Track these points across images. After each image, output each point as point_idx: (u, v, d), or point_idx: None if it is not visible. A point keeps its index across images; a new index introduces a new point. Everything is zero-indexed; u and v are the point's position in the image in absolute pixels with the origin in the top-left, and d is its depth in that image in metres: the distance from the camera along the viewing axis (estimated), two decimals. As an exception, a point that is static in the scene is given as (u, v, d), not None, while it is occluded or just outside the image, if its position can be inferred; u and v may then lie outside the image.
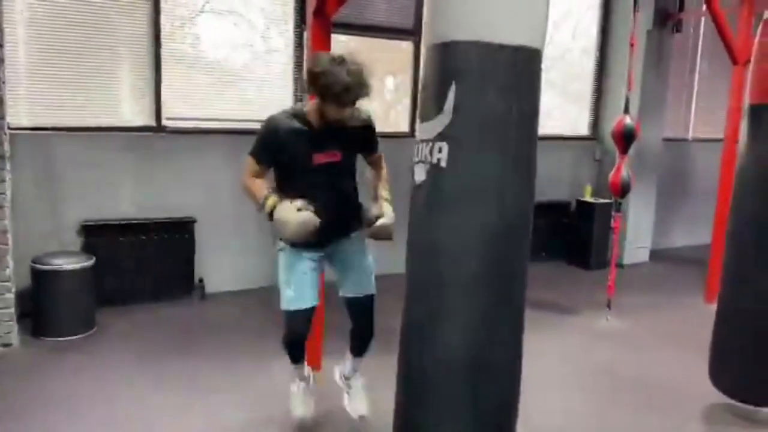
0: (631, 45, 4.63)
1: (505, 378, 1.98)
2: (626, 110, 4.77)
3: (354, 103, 2.66)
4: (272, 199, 2.71)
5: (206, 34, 5.24)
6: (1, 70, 3.88)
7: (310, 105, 2.77)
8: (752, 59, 3.23)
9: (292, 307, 2.89)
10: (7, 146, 3.94)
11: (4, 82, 3.91)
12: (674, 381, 3.94)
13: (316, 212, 2.65)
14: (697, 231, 7.47)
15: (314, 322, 3.65)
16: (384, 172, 3.07)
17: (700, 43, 7.42)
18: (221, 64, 5.34)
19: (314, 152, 2.75)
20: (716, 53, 6.31)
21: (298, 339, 3.01)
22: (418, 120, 1.95)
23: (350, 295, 3.04)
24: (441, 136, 1.80)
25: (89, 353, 4.05)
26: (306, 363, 3.19)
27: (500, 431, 2.03)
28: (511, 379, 2.01)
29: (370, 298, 3.07)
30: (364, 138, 2.92)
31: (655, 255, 7.13)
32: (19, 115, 4.46)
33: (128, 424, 3.21)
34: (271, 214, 2.69)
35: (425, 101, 1.90)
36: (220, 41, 5.28)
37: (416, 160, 1.91)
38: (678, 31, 6.68)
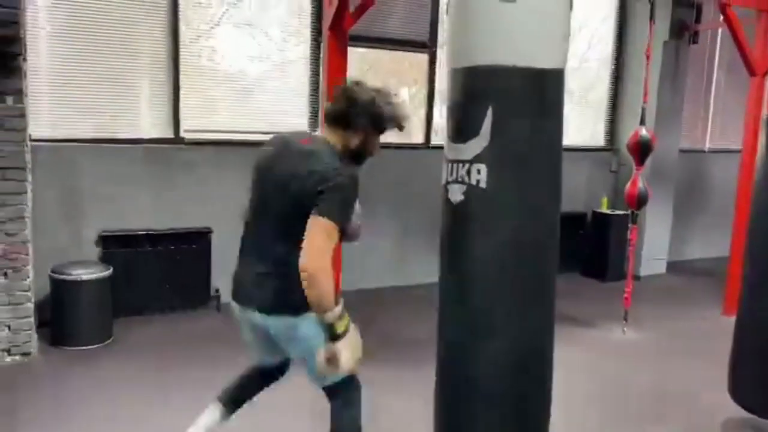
0: (647, 56, 4.62)
1: (542, 382, 2.09)
2: (642, 122, 4.76)
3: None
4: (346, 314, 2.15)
5: (224, 47, 5.31)
6: (25, 84, 3.95)
7: (334, 141, 2.35)
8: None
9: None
10: (28, 158, 4.00)
11: (26, 95, 3.97)
12: (691, 394, 3.90)
13: None
14: (714, 243, 7.40)
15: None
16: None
17: (717, 54, 7.39)
18: (239, 75, 5.40)
19: None
20: (733, 64, 6.27)
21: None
22: (447, 139, 1.99)
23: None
24: (479, 158, 1.86)
25: (107, 362, 4.09)
26: None
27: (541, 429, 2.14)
28: (547, 382, 2.12)
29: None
30: None
31: (672, 267, 7.07)
32: (40, 127, 4.53)
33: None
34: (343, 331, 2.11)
35: (457, 122, 1.95)
36: (238, 53, 5.34)
37: (450, 179, 1.97)
38: (695, 42, 6.66)
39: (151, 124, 5.06)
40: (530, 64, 1.82)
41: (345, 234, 2.28)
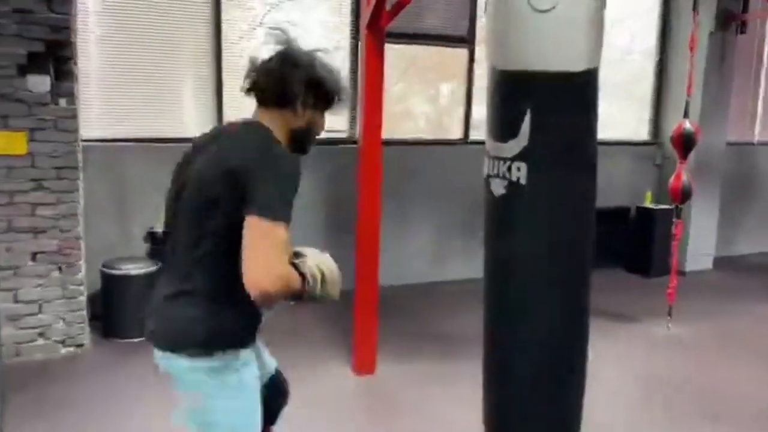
0: (691, 48, 4.54)
1: (578, 370, 2.15)
2: (686, 114, 4.68)
3: None
4: (307, 258, 1.92)
5: (265, 46, 5.40)
6: (76, 87, 4.12)
7: (269, 123, 1.94)
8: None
9: None
10: (80, 157, 4.17)
11: (78, 98, 4.14)
12: (736, 391, 3.83)
13: None
14: (764, 238, 7.20)
15: (372, 323, 3.74)
16: None
17: (766, 44, 7.18)
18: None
19: None
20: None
21: None
22: (488, 135, 2.07)
23: None
24: (519, 157, 1.95)
25: (152, 355, 4.22)
26: None
27: (577, 416, 2.19)
28: (582, 370, 2.18)
29: None
30: None
31: (719, 262, 6.90)
32: (90, 128, 4.71)
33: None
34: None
35: (497, 122, 2.05)
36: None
37: (492, 173, 2.06)
38: (743, 32, 6.48)
39: (195, 123, 5.20)
40: (565, 68, 1.90)
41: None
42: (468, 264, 5.78)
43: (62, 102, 4.00)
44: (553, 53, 1.90)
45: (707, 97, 6.37)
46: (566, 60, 1.91)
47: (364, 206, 3.81)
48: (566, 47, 1.90)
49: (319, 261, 1.92)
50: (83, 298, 4.24)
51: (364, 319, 3.90)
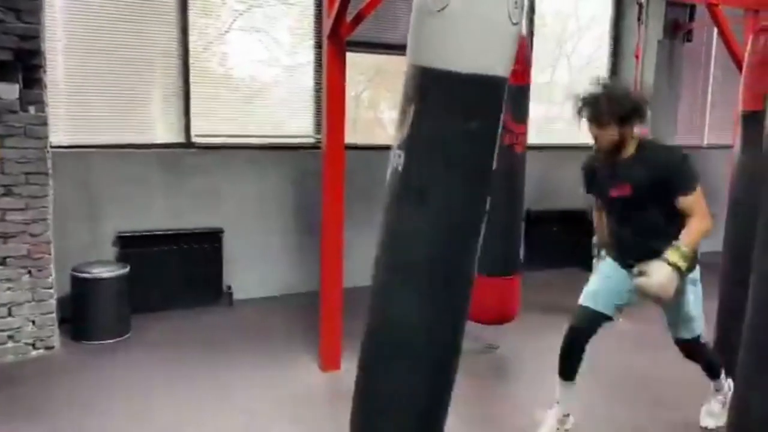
0: (636, 56, 4.81)
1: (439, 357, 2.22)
2: (633, 119, 4.94)
3: (600, 124, 2.82)
4: None
5: (233, 52, 5.55)
6: (45, 94, 4.20)
7: None
8: (743, 69, 3.41)
9: (582, 302, 3.12)
10: (49, 163, 4.26)
11: (47, 105, 4.22)
12: (684, 378, 4.05)
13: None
14: (714, 238, 7.48)
15: (336, 322, 3.91)
16: (692, 224, 2.79)
17: (713, 51, 7.53)
18: (247, 81, 5.65)
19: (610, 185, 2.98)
20: (730, 61, 6.42)
21: (565, 347, 3.12)
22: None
23: (672, 335, 3.16)
24: (401, 145, 2.09)
25: (125, 356, 4.33)
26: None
27: (440, 401, 2.26)
28: (447, 359, 2.24)
29: (685, 342, 3.13)
30: (653, 178, 2.82)
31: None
32: (59, 134, 4.78)
33: (158, 425, 3.42)
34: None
35: (399, 114, 2.16)
36: (247, 59, 5.59)
37: (390, 162, 2.20)
38: (689, 40, 6.82)
39: (163, 130, 5.31)
40: (453, 68, 1.95)
41: None
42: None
43: (31, 109, 4.09)
44: (440, 52, 1.96)
45: (657, 103, 6.66)
46: (452, 61, 1.95)
47: (328, 209, 3.97)
48: (454, 48, 1.95)
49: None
50: (53, 301, 4.32)
51: (329, 317, 4.06)
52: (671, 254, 2.65)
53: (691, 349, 3.14)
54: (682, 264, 2.66)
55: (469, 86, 1.98)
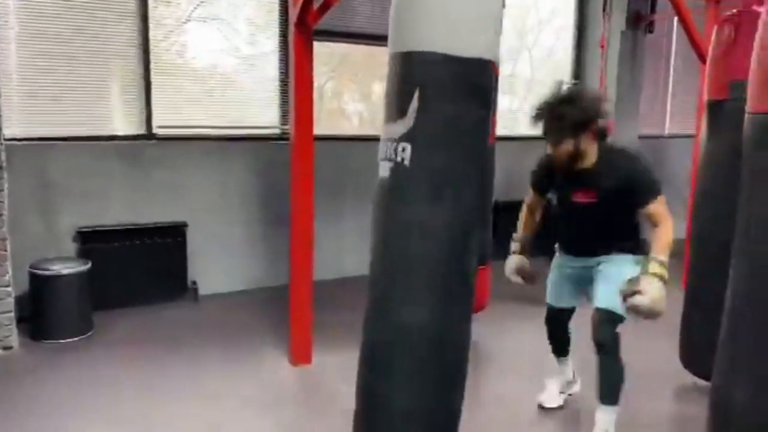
0: (601, 46, 4.84)
1: (451, 353, 2.15)
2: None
3: (558, 142, 2.78)
4: None
5: (193, 43, 5.42)
6: (-3, 84, 4.04)
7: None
8: (708, 59, 3.44)
9: (547, 301, 3.34)
10: (3, 156, 4.09)
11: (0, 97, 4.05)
12: (647, 364, 4.12)
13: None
14: (677, 226, 7.64)
15: (307, 316, 3.86)
16: (660, 233, 2.79)
17: (674, 42, 7.66)
18: (208, 71, 5.52)
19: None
20: (690, 52, 6.54)
21: (549, 331, 3.38)
22: (383, 121, 2.13)
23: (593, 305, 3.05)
24: (405, 137, 2.00)
25: (87, 355, 4.20)
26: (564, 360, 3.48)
27: (451, 401, 2.20)
28: (458, 355, 2.18)
29: (599, 312, 2.97)
30: (618, 188, 2.84)
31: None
32: (13, 127, 4.60)
33: (126, 424, 3.33)
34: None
35: (389, 104, 2.09)
36: (207, 49, 5.46)
37: (381, 157, 2.12)
38: (651, 32, 6.92)
39: (123, 121, 5.15)
40: (454, 52, 1.94)
41: None
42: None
43: (-17, 100, 3.92)
44: (443, 37, 1.93)
45: (620, 93, 6.76)
46: (456, 45, 1.94)
47: (298, 201, 3.90)
48: (457, 33, 1.94)
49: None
50: (11, 300, 4.16)
51: (299, 311, 4.00)
52: (653, 266, 2.66)
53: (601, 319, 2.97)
54: (665, 273, 2.67)
55: (470, 70, 1.97)
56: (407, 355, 2.09)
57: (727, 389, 2.01)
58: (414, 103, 1.97)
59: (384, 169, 2.10)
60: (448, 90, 1.97)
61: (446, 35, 1.94)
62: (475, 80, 2.00)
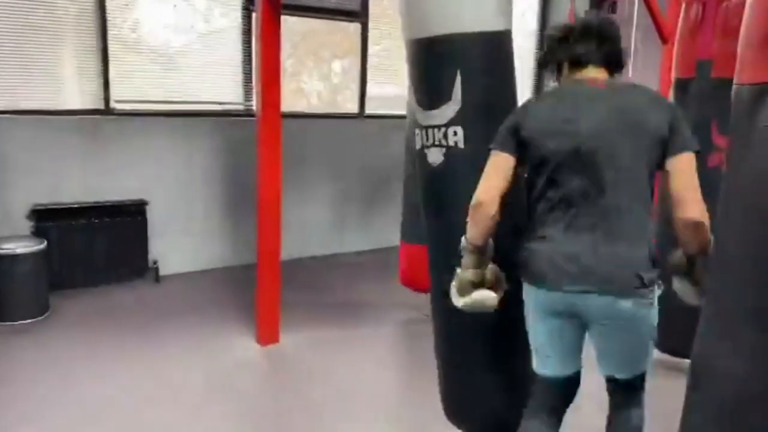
0: (569, 25, 4.84)
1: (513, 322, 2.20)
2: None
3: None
4: None
5: (151, 17, 5.23)
6: (-56, 53, 3.83)
7: None
8: (677, 38, 3.48)
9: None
10: (-48, 131, 3.90)
11: (-53, 66, 3.85)
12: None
13: None
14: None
15: (275, 294, 3.79)
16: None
17: (634, 22, 7.74)
18: (167, 46, 5.34)
19: None
20: (650, 32, 6.61)
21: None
22: (418, 107, 2.12)
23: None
24: (454, 121, 2.01)
25: (44, 336, 4.06)
26: None
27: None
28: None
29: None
30: None
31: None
32: (-38, 100, 4.40)
33: (84, 405, 3.24)
34: None
35: (425, 91, 2.08)
36: (165, 23, 5.28)
37: (428, 143, 2.10)
38: (613, 12, 6.98)
39: (80, 96, 4.96)
40: (487, 28, 1.99)
41: None
42: (365, 236, 5.92)
43: (-70, 71, 3.72)
44: (470, 15, 1.98)
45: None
46: (484, 21, 1.99)
47: (264, 179, 3.82)
48: (482, 9, 1.99)
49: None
50: (-38, 281, 4.00)
51: (266, 289, 3.94)
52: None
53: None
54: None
55: (501, 42, 2.04)
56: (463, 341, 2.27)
57: (709, 361, 2.01)
58: (457, 85, 1.99)
59: (435, 155, 2.08)
60: (486, 66, 2.02)
61: (477, 12, 1.99)
62: (504, 52, 2.07)
